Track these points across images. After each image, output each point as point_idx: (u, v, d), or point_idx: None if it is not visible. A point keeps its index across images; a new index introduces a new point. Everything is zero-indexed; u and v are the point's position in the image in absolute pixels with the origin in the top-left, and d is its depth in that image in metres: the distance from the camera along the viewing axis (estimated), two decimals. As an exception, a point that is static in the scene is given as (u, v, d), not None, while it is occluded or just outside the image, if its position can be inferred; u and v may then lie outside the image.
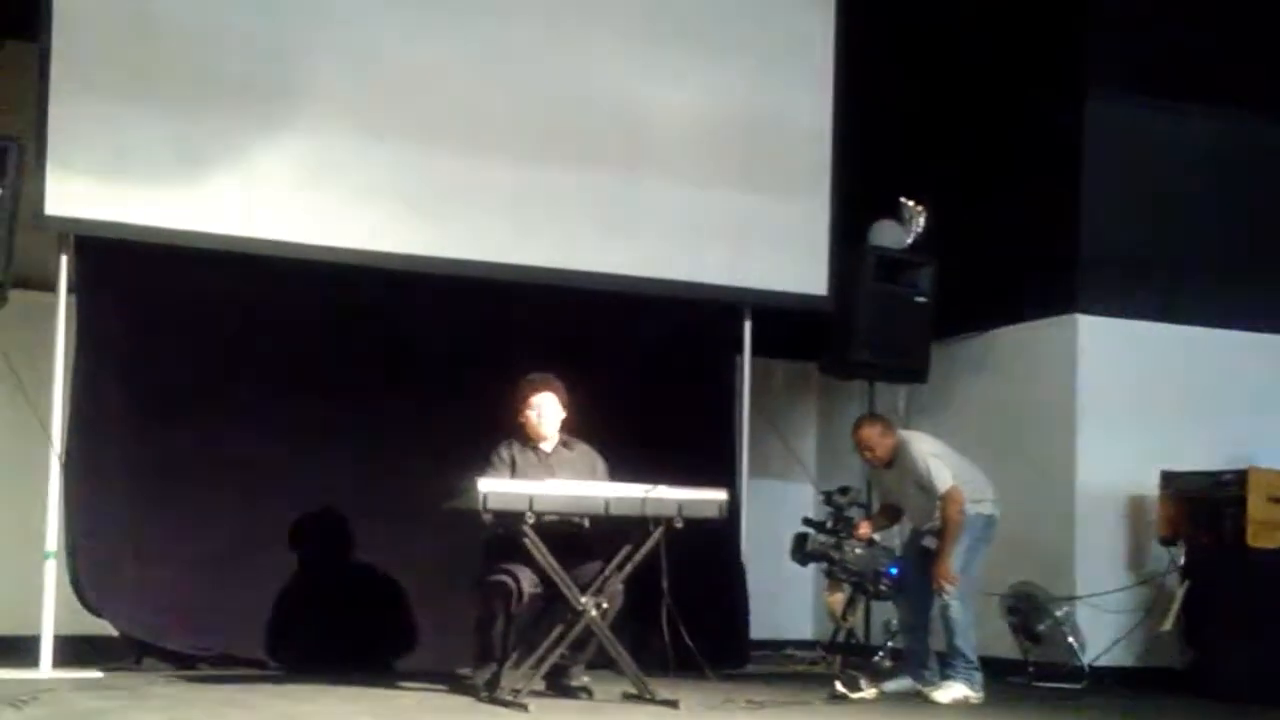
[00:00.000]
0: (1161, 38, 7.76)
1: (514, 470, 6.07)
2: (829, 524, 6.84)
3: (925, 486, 6.40)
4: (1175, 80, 7.74)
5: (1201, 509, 7.10)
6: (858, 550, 6.76)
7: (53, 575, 6.32)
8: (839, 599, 6.80)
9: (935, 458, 6.41)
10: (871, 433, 6.55)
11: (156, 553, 6.53)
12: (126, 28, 6.47)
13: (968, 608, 6.44)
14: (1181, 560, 7.14)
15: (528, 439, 6.19)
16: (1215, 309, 7.75)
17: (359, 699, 5.73)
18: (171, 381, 6.68)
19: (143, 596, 6.48)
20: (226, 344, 6.79)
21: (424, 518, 6.37)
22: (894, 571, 6.78)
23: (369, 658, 6.64)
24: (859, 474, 7.75)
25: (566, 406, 6.22)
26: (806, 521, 6.98)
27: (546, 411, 6.18)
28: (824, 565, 6.88)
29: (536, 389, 6.18)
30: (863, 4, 7.83)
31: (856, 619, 7.75)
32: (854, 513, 6.99)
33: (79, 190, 6.35)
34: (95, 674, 6.20)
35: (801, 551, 6.82)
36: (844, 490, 7.02)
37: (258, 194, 6.67)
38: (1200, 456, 7.28)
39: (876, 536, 6.88)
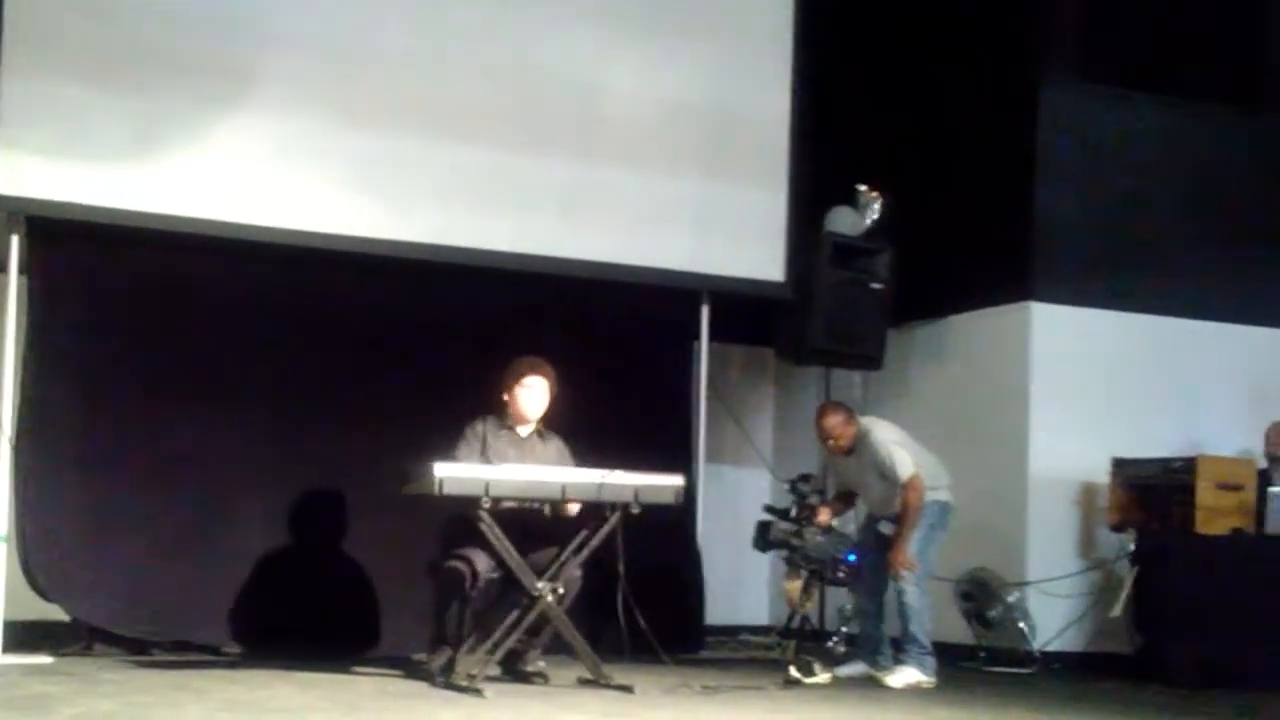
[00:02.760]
0: (1113, 27, 7.80)
1: (485, 448, 6.01)
2: (792, 511, 6.82)
3: (886, 474, 6.40)
4: (1127, 70, 7.78)
5: (1151, 496, 7.13)
6: (818, 538, 6.76)
7: (3, 560, 6.23)
8: (797, 586, 6.80)
9: (897, 446, 6.41)
10: (835, 421, 6.52)
11: (109, 537, 6.44)
12: (81, 5, 6.33)
13: (923, 593, 6.46)
14: (1132, 546, 7.18)
15: (506, 419, 6.12)
16: (1167, 298, 7.80)
17: (314, 684, 5.67)
18: (125, 365, 6.58)
19: (94, 581, 6.39)
20: (182, 327, 6.69)
21: (381, 502, 6.33)
22: (851, 558, 6.79)
23: (325, 642, 6.55)
24: (815, 460, 7.77)
25: (552, 395, 6.16)
26: (768, 509, 6.97)
27: (537, 394, 6.11)
28: (784, 553, 6.87)
29: (533, 370, 6.11)
30: None
31: (812, 604, 7.75)
32: (815, 500, 6.98)
33: (31, 169, 6.23)
34: (46, 659, 6.12)
35: (764, 539, 6.82)
36: (805, 478, 7.02)
37: (215, 175, 6.57)
38: (1151, 444, 7.31)
39: (835, 523, 6.88)
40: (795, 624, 7.65)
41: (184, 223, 6.49)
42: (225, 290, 6.75)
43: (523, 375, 6.08)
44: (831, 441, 6.54)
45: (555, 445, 6.19)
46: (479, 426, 6.05)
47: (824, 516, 6.83)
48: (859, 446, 6.50)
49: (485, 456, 5.96)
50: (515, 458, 5.98)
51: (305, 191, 6.73)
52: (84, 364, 6.53)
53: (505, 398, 6.11)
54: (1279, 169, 8.04)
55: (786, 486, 7.14)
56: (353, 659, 6.39)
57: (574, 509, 5.92)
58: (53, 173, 6.28)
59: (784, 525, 6.79)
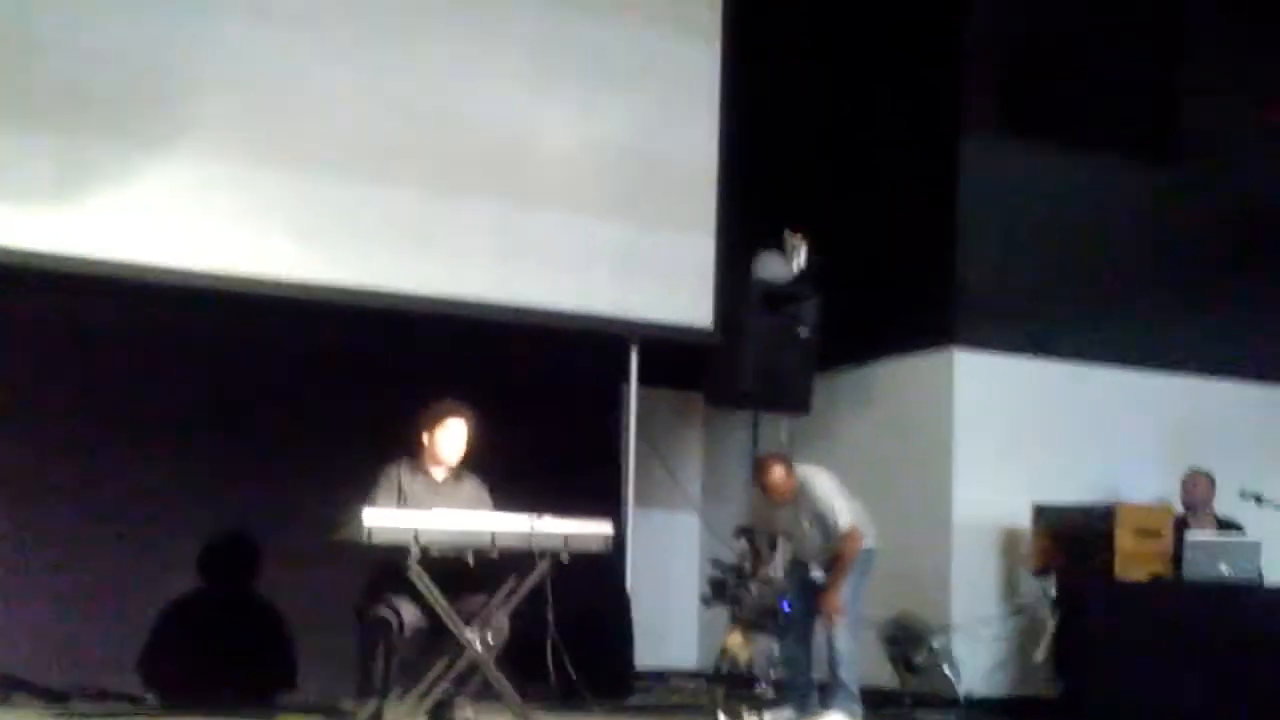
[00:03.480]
0: (1031, 81, 7.91)
1: (401, 494, 5.92)
2: (746, 565, 6.75)
3: (826, 523, 6.43)
4: (1044, 122, 7.88)
5: (1072, 542, 7.16)
6: (758, 589, 6.74)
7: None
8: (739, 639, 6.73)
9: (838, 496, 6.45)
10: (779, 475, 6.51)
11: (28, 587, 6.32)
12: (3, 44, 6.24)
13: (853, 639, 6.48)
14: (1053, 591, 7.21)
15: (421, 463, 6.04)
16: (1086, 345, 7.89)
17: None
18: (43, 410, 6.47)
19: (12, 630, 6.25)
20: (101, 372, 6.60)
21: (305, 548, 6.24)
22: (786, 607, 6.79)
23: (249, 691, 6.48)
24: (744, 504, 7.78)
25: (470, 439, 6.08)
26: (717, 564, 6.89)
27: (455, 436, 6.01)
28: (731, 607, 6.83)
29: (452, 412, 6.00)
30: (748, 41, 7.86)
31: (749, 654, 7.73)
32: (766, 551, 6.90)
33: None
34: None
35: (719, 595, 6.75)
36: (748, 530, 6.95)
37: (136, 218, 6.49)
38: (1071, 489, 7.38)
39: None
40: (724, 669, 7.63)
41: (104, 266, 6.39)
42: (146, 334, 6.66)
43: (442, 417, 5.98)
44: (776, 494, 6.53)
45: (470, 485, 6.10)
46: (393, 472, 5.94)
47: (763, 568, 6.81)
48: (797, 496, 6.52)
49: (402, 502, 5.87)
50: (432, 503, 5.88)
51: (230, 234, 6.65)
52: (2, 411, 6.39)
53: (424, 440, 6.00)
54: (1193, 220, 8.16)
55: (737, 538, 7.02)
56: (277, 708, 6.31)
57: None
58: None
59: (733, 580, 6.75)
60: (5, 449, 6.38)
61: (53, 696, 6.28)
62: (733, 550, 7.92)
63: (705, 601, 6.91)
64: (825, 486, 6.48)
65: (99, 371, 6.60)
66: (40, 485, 6.43)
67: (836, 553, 6.42)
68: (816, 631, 6.54)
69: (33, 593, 6.33)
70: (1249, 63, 8.22)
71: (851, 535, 6.38)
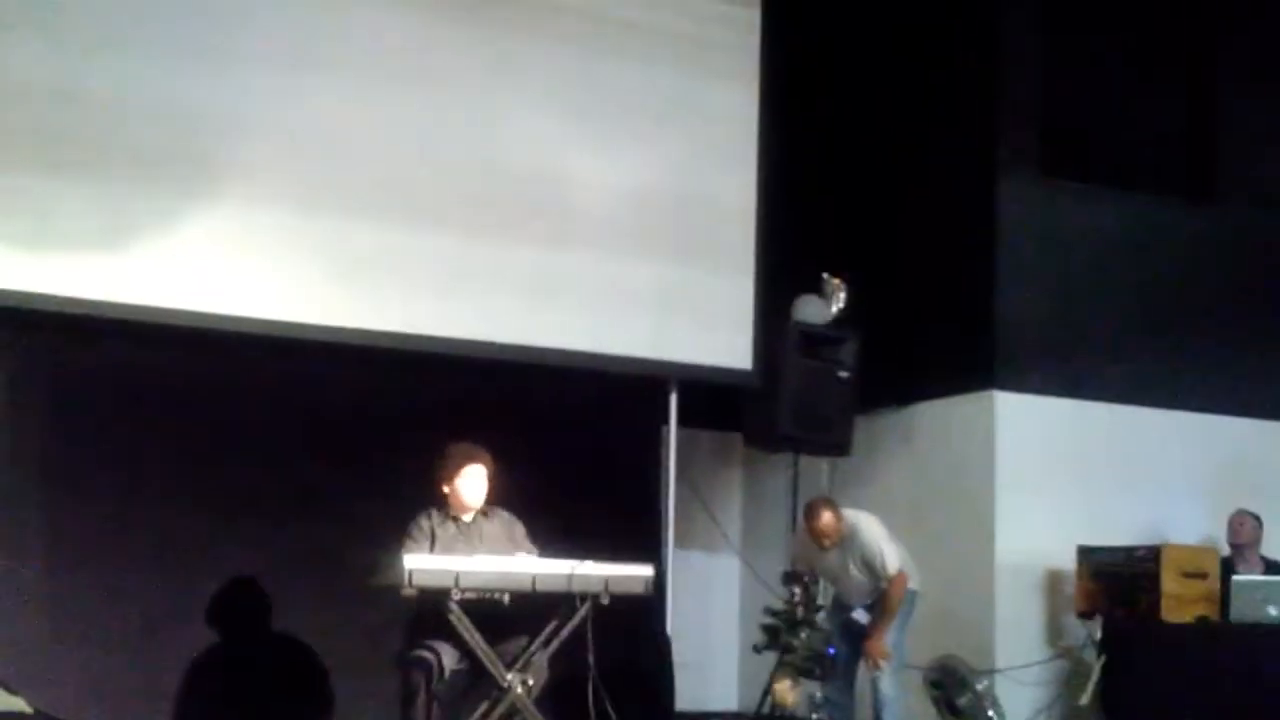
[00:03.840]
0: (1071, 122, 7.90)
1: (434, 542, 5.92)
2: (799, 613, 6.65)
3: (873, 567, 6.44)
4: (1083, 164, 7.87)
5: (1117, 584, 7.10)
6: (807, 634, 6.67)
7: None
8: (787, 685, 6.65)
9: (887, 541, 6.46)
10: (829, 520, 6.51)
11: (70, 627, 6.33)
12: (47, 96, 6.31)
13: (898, 683, 6.48)
14: (1098, 634, 7.15)
15: (449, 510, 6.05)
16: (1128, 386, 7.83)
17: None
18: (89, 454, 6.49)
19: (60, 673, 6.26)
20: (145, 416, 6.62)
21: (346, 592, 6.23)
22: (832, 651, 6.73)
23: None
24: (783, 545, 7.77)
25: (492, 479, 6.10)
26: (770, 612, 6.75)
27: (476, 483, 6.03)
28: (784, 654, 6.74)
29: (469, 459, 6.02)
30: (786, 83, 7.87)
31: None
32: (820, 597, 6.78)
33: (-2, 260, 6.19)
34: None
35: (775, 644, 6.64)
36: (797, 575, 6.78)
37: (179, 267, 6.52)
38: (1115, 530, 7.31)
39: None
40: (766, 710, 7.58)
41: (150, 313, 6.43)
42: (190, 380, 6.67)
43: (460, 467, 5.98)
44: (826, 540, 6.50)
45: (500, 521, 6.09)
46: (424, 523, 5.95)
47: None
48: (845, 540, 6.48)
49: (434, 550, 5.87)
50: (464, 547, 5.90)
51: (271, 281, 6.68)
52: (48, 455, 6.45)
53: (445, 489, 6.02)
54: (1235, 260, 8.12)
55: (786, 585, 6.84)
56: None
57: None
58: (18, 263, 6.23)
59: (785, 626, 6.66)
60: (45, 494, 6.42)
61: None
62: (774, 593, 7.95)
63: (758, 649, 6.78)
64: (874, 531, 6.50)
65: (143, 419, 6.62)
66: (81, 529, 6.45)
67: (884, 596, 6.42)
68: (860, 674, 6.48)
69: (74, 635, 6.34)
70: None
71: (899, 579, 6.43)
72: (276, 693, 6.60)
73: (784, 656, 6.64)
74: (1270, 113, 8.19)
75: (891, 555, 6.44)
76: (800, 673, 6.60)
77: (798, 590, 6.62)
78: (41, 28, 6.35)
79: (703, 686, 8.24)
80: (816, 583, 6.78)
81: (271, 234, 6.69)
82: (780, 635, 6.64)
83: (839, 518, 6.51)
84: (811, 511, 6.54)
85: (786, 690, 6.50)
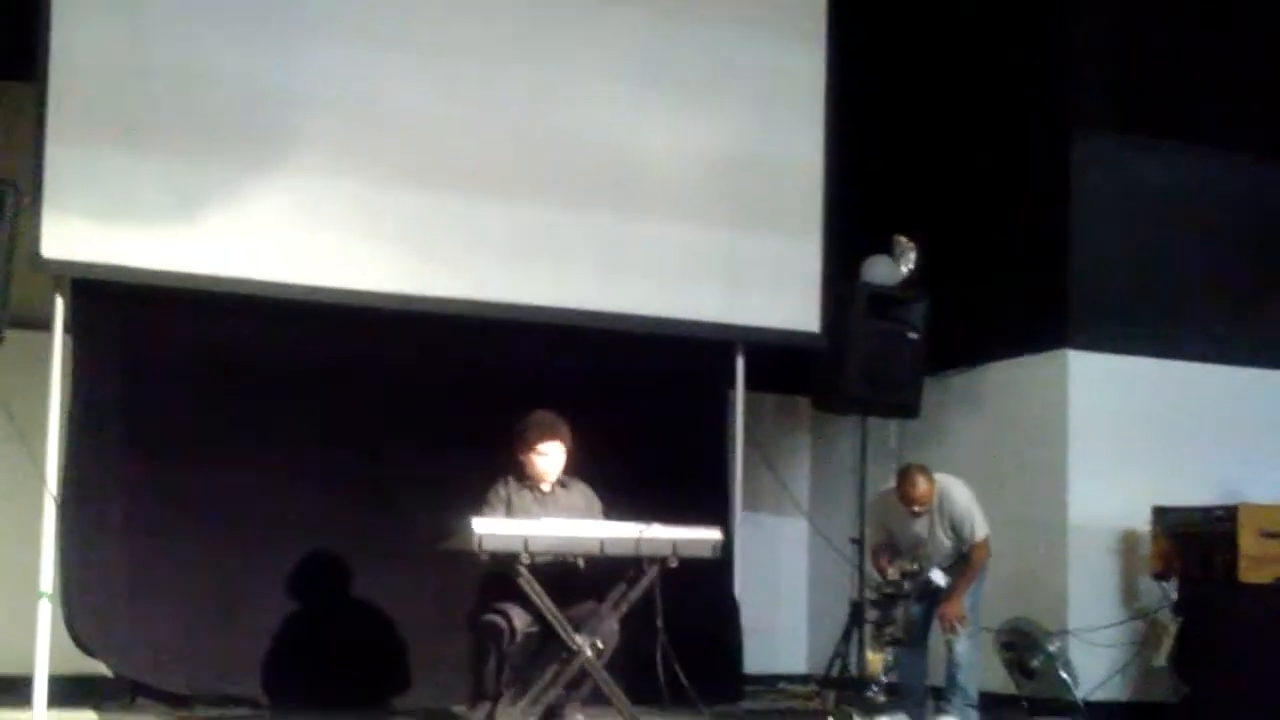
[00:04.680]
0: (1145, 77, 7.74)
1: (510, 509, 5.94)
2: (905, 585, 6.50)
3: (961, 532, 6.43)
4: (1160, 119, 7.72)
5: (1193, 544, 7.04)
6: (903, 608, 6.54)
7: (48, 616, 6.22)
8: (880, 657, 6.58)
9: (977, 506, 6.44)
10: (925, 487, 6.45)
11: (151, 593, 6.41)
12: (122, 72, 6.39)
13: (974, 645, 6.46)
14: (1174, 595, 7.10)
15: (526, 478, 6.06)
16: (1204, 344, 7.72)
17: None
18: (167, 423, 6.57)
19: (138, 637, 6.36)
20: (222, 386, 6.68)
21: (419, 557, 6.27)
22: (914, 614, 6.68)
23: (365, 697, 6.53)
24: (852, 508, 7.74)
25: (570, 453, 6.07)
26: (884, 589, 6.57)
27: (552, 459, 6.02)
28: (885, 626, 6.60)
29: (546, 436, 5.99)
30: (852, 43, 7.78)
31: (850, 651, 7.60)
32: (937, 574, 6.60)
33: (75, 232, 6.26)
34: (90, 715, 6.13)
35: (889, 617, 6.50)
36: (890, 545, 6.65)
37: (253, 237, 6.58)
38: (1191, 491, 7.22)
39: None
40: (835, 673, 7.55)
41: (223, 283, 6.50)
42: (264, 348, 6.73)
43: (536, 442, 5.96)
44: (919, 506, 6.46)
45: (577, 489, 6.11)
46: (501, 490, 5.97)
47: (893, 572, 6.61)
48: (934, 505, 6.45)
49: (511, 517, 5.89)
50: (541, 513, 5.91)
51: (343, 250, 6.72)
52: (126, 423, 6.53)
53: (520, 458, 6.02)
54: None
55: (880, 555, 6.68)
56: (392, 712, 6.36)
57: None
58: (96, 236, 6.32)
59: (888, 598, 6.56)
60: (123, 463, 6.51)
61: (175, 701, 6.37)
62: (843, 557, 7.93)
63: (871, 623, 6.64)
64: (965, 495, 6.48)
65: (218, 387, 6.69)
66: (162, 494, 6.53)
67: (966, 560, 6.42)
68: (934, 636, 6.45)
69: (155, 603, 6.43)
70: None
71: (984, 545, 6.43)
72: (353, 657, 6.65)
73: (884, 629, 6.51)
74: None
75: (980, 521, 6.43)
76: (894, 643, 6.52)
77: (902, 564, 6.51)
78: (113, 6, 6.42)
79: (771, 650, 8.23)
80: (901, 554, 6.68)
81: (342, 205, 6.73)
82: (888, 609, 6.54)
83: (931, 483, 6.46)
84: (908, 479, 6.46)
85: (878, 661, 6.43)
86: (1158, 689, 7.18)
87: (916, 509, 6.46)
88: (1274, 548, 6.86)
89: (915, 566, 6.52)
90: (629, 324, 7.20)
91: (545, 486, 6.06)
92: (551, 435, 6.00)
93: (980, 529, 6.43)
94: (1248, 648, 6.72)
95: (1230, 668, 6.72)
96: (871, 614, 6.56)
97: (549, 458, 6.00)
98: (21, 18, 6.30)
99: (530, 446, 5.98)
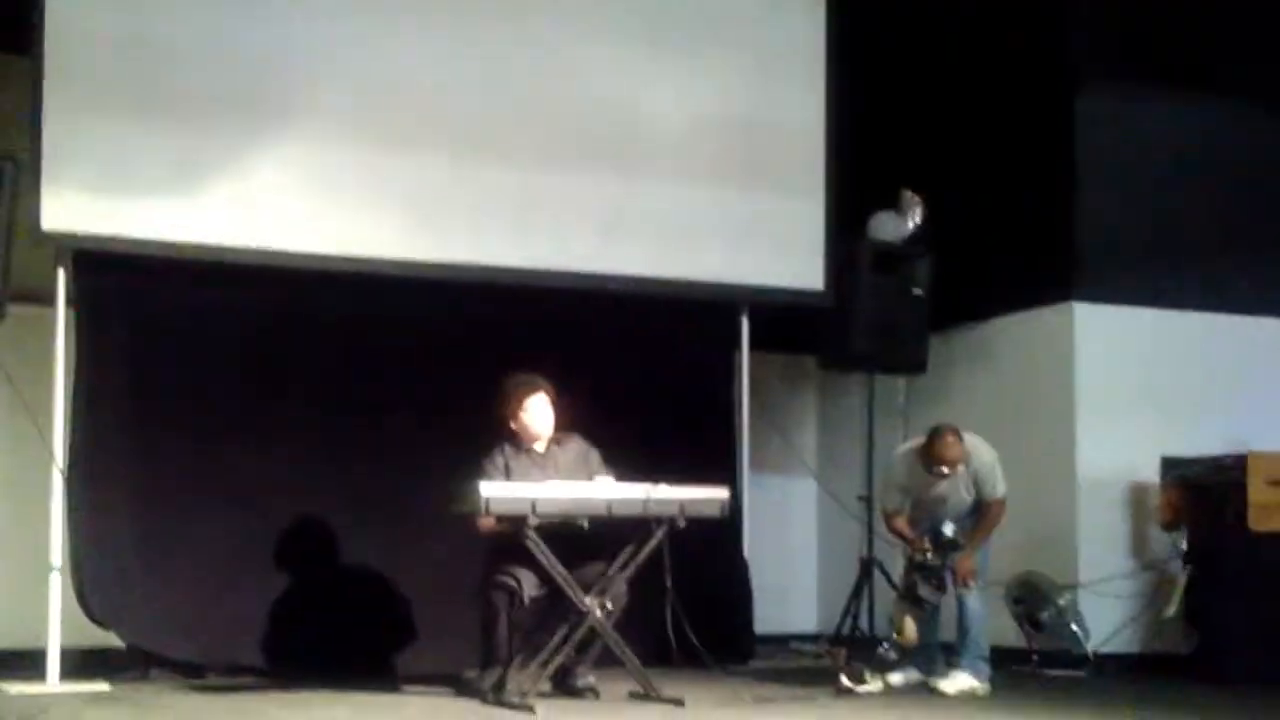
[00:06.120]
0: (1148, 29, 7.65)
1: (509, 475, 5.94)
2: (930, 557, 6.34)
3: (982, 490, 6.37)
4: (1164, 70, 7.65)
5: (1203, 494, 7.02)
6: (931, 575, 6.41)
7: (58, 588, 6.21)
8: (911, 621, 6.48)
9: (999, 464, 6.38)
10: (956, 445, 6.29)
11: (161, 564, 6.40)
12: (120, 44, 6.31)
13: (985, 601, 6.42)
14: (1184, 546, 7.08)
15: (520, 442, 6.07)
16: (1211, 294, 7.67)
17: (367, 704, 5.68)
18: (171, 393, 6.54)
19: (148, 608, 6.34)
20: (224, 356, 6.65)
21: (425, 522, 6.29)
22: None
23: (374, 663, 6.51)
24: (860, 466, 7.78)
25: (555, 404, 6.08)
26: (920, 562, 6.36)
27: (541, 413, 6.06)
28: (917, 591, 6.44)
29: (529, 391, 6.05)
30: (854, 3, 7.70)
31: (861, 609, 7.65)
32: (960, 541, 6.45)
33: (75, 205, 6.20)
34: (103, 686, 6.09)
35: (933, 584, 6.34)
36: (939, 534, 6.42)
37: (253, 206, 6.52)
38: (1200, 442, 7.19)
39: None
40: (846, 631, 7.53)
41: (221, 252, 6.45)
42: (264, 317, 6.69)
43: (522, 399, 6.02)
44: (950, 467, 6.32)
45: (574, 446, 6.13)
46: (498, 458, 5.99)
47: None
48: (962, 465, 6.36)
49: (510, 482, 5.89)
50: (540, 476, 5.92)
51: (344, 217, 6.66)
52: (132, 393, 6.49)
53: (513, 424, 6.05)
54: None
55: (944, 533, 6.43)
56: (402, 679, 6.34)
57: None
58: (96, 208, 6.26)
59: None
60: (127, 433, 6.46)
61: (189, 671, 6.37)
62: (852, 515, 7.93)
63: (911, 598, 6.40)
64: (991, 456, 6.42)
65: (222, 356, 6.65)
66: (168, 465, 6.50)
67: (984, 517, 6.38)
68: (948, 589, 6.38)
69: (165, 574, 6.41)
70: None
71: (1003, 504, 6.38)
72: (362, 623, 6.64)
73: (916, 595, 6.37)
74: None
75: (1001, 480, 6.38)
76: (918, 605, 6.42)
77: (933, 536, 6.37)
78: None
79: (782, 609, 8.21)
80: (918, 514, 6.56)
81: (343, 172, 6.66)
82: (927, 577, 6.38)
83: (961, 443, 6.34)
84: (942, 440, 6.30)
85: (911, 626, 6.32)
86: (1169, 640, 7.17)
87: (946, 470, 6.34)
88: (1284, 496, 6.85)
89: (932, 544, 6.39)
90: (633, 286, 7.16)
91: (540, 447, 6.08)
92: (535, 389, 6.05)
93: (1001, 488, 6.38)
94: (1258, 596, 6.75)
95: (1241, 616, 6.75)
96: (909, 582, 6.41)
97: (538, 411, 6.04)
98: (17, -10, 6.24)
99: (519, 405, 6.02)
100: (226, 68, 6.48)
